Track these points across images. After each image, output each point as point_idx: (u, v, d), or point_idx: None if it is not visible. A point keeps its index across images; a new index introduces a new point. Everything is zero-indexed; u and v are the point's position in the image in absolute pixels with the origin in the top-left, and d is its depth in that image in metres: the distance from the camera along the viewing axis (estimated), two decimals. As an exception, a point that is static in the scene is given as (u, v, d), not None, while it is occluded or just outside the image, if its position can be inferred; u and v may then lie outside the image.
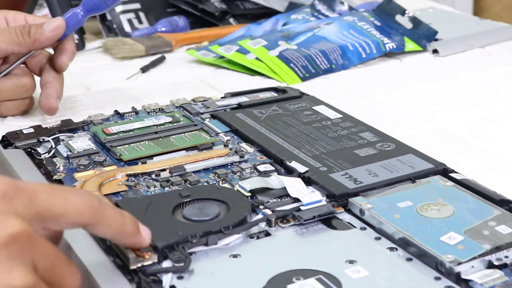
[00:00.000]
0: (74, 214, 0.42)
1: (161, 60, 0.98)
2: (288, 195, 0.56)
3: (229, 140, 0.68)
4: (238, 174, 0.61)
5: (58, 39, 0.75)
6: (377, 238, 0.51)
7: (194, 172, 0.61)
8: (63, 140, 0.68)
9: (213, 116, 0.73)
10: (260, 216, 0.54)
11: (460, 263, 0.46)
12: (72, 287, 0.41)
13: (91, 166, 0.63)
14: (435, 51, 0.98)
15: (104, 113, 0.74)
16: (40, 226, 0.41)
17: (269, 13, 1.13)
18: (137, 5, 1.11)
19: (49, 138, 0.68)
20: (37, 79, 0.78)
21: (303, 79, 0.89)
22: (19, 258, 0.38)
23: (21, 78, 0.76)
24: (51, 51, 0.78)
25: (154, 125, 0.70)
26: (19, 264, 0.38)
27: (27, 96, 0.78)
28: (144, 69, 0.94)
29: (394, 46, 0.96)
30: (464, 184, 0.57)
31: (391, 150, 0.64)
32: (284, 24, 1.05)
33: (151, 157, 0.64)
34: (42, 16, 0.84)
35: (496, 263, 0.47)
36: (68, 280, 0.41)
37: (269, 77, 0.90)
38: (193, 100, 0.78)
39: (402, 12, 1.01)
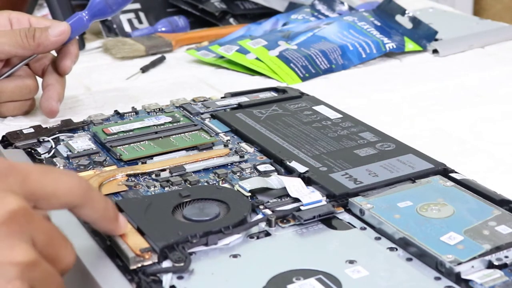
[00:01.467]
0: (65, 194, 0.43)
1: (161, 60, 0.98)
2: (288, 195, 0.56)
3: (229, 140, 0.68)
4: (238, 174, 0.61)
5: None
6: (377, 238, 0.51)
7: (194, 172, 0.61)
8: (63, 140, 0.68)
9: (213, 116, 0.73)
10: (260, 216, 0.54)
11: (460, 263, 0.46)
12: (68, 261, 0.42)
13: (91, 166, 0.63)
14: (435, 51, 0.98)
15: (104, 113, 0.74)
16: (31, 205, 0.42)
17: (269, 13, 1.13)
18: (137, 5, 1.11)
19: (49, 138, 0.68)
20: (40, 80, 0.78)
21: (303, 79, 0.89)
22: (20, 235, 0.39)
23: (24, 80, 0.76)
24: (54, 53, 0.78)
25: (154, 125, 0.70)
26: (20, 240, 0.39)
27: (29, 97, 0.78)
28: (144, 69, 0.94)
29: (394, 46, 0.96)
30: (464, 184, 0.57)
31: (391, 150, 0.64)
32: (284, 24, 1.05)
33: (151, 157, 0.64)
34: (46, 18, 0.83)
35: (496, 263, 0.47)
36: (65, 255, 0.42)
37: (269, 77, 0.90)
38: (193, 100, 0.78)
39: (402, 12, 1.01)
